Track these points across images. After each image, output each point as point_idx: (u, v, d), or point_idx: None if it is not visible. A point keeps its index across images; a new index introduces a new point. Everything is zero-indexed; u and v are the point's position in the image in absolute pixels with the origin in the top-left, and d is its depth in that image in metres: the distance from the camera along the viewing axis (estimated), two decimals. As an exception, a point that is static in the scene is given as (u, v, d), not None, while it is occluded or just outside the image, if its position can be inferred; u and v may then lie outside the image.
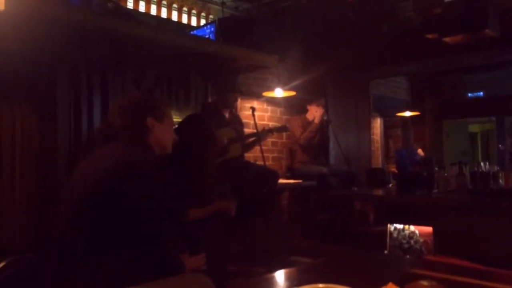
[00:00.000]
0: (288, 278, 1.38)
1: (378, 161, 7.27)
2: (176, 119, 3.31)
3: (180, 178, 2.58)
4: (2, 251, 2.73)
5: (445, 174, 3.07)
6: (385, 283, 0.77)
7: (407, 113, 6.96)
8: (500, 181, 3.00)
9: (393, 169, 5.42)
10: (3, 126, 2.87)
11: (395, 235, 2.98)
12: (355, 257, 1.55)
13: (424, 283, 0.65)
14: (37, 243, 2.64)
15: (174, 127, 1.95)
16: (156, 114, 1.79)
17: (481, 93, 7.95)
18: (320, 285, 0.71)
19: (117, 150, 1.68)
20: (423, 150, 6.60)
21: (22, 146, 2.80)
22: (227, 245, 2.87)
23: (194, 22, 4.14)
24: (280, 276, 1.39)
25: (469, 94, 8.03)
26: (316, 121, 4.88)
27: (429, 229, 2.62)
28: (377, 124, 7.43)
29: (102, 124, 1.86)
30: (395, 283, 0.73)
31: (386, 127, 7.72)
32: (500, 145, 7.37)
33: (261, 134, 4.05)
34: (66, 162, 2.69)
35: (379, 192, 3.88)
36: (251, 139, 4.17)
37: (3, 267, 1.75)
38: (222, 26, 3.47)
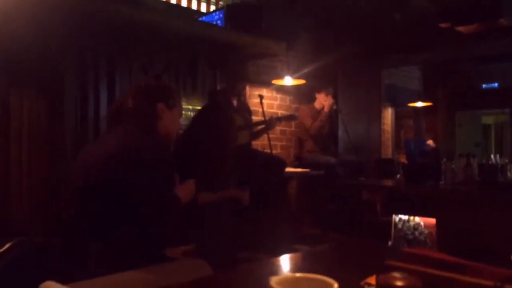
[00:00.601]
0: (281, 264, 1.39)
1: (388, 151, 7.21)
2: (183, 106, 3.32)
3: (195, 163, 2.62)
4: (10, 233, 2.80)
5: (453, 166, 3.03)
6: (372, 274, 0.77)
7: (419, 103, 6.87)
8: (509, 173, 2.96)
9: (403, 159, 5.38)
10: (11, 111, 2.90)
11: (400, 226, 2.97)
12: (354, 246, 1.55)
13: (397, 274, 0.65)
14: (45, 226, 2.68)
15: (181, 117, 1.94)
16: (168, 101, 1.80)
17: (496, 84, 7.79)
18: (297, 274, 0.71)
19: (123, 135, 1.68)
20: (435, 141, 6.53)
21: (30, 131, 2.83)
22: (236, 232, 2.90)
23: (203, 8, 4.11)
24: (284, 260, 1.40)
25: (484, 85, 7.88)
26: (326, 110, 4.84)
27: (433, 220, 2.59)
28: (388, 114, 7.36)
29: (114, 103, 1.86)
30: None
31: (398, 117, 7.64)
32: (514, 137, 7.25)
33: (269, 123, 4.04)
34: (72, 146, 2.72)
35: (387, 182, 3.85)
36: (259, 127, 4.16)
37: (9, 247, 1.79)
38: (231, 12, 3.44)
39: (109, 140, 1.71)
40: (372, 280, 0.82)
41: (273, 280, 0.65)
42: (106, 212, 1.54)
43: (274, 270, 1.23)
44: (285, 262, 1.37)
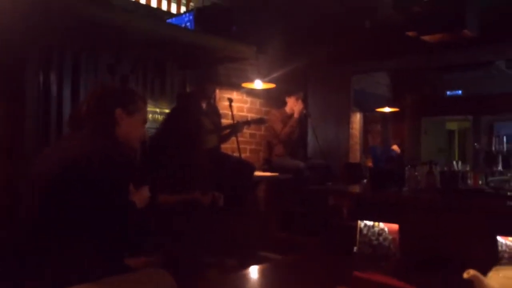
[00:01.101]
0: (259, 275, 1.39)
1: (356, 155, 7.32)
2: (151, 108, 3.27)
3: (163, 166, 2.60)
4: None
5: (416, 173, 3.10)
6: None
7: (387, 109, 7.00)
8: (469, 181, 3.05)
9: (371, 164, 5.47)
10: (-32, 109, 2.79)
11: (365, 231, 3.00)
12: (315, 259, 1.56)
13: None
14: (5, 231, 2.59)
15: (145, 124, 1.88)
16: (127, 107, 1.73)
17: (460, 91, 8.05)
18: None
19: (81, 141, 1.64)
20: (400, 147, 6.68)
21: (-12, 131, 2.73)
22: (203, 236, 2.87)
23: (174, 9, 4.07)
24: (252, 272, 1.40)
25: (448, 92, 8.13)
26: (296, 115, 4.87)
27: (396, 226, 2.64)
28: (357, 119, 7.47)
29: (72, 110, 1.81)
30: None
31: (366, 122, 7.77)
32: (475, 144, 7.49)
33: (236, 126, 4.03)
34: (34, 149, 2.63)
35: (354, 187, 3.90)
36: (227, 131, 4.15)
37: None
38: (201, 15, 3.41)
39: (67, 146, 1.67)
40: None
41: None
42: (64, 219, 1.50)
43: (241, 285, 1.23)
44: (249, 277, 1.36)
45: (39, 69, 2.69)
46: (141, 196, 1.71)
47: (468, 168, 3.25)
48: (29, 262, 1.56)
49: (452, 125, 10.16)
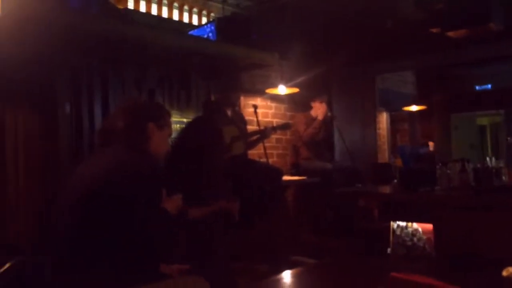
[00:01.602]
0: (293, 279, 1.40)
1: (385, 156, 7.23)
2: (177, 119, 3.33)
3: (183, 177, 2.62)
4: (8, 251, 2.79)
5: (448, 171, 3.04)
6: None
7: (414, 107, 6.90)
8: (503, 177, 2.97)
9: (400, 163, 5.39)
10: (5, 129, 2.91)
11: (398, 232, 2.96)
12: (349, 262, 1.56)
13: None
14: (42, 244, 2.67)
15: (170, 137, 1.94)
16: (158, 121, 1.78)
17: (489, 85, 7.84)
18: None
19: (114, 154, 1.68)
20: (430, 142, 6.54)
21: (25, 149, 2.83)
22: (231, 244, 2.89)
23: (195, 20, 4.14)
24: (286, 277, 1.41)
25: (477, 87, 7.93)
26: (320, 117, 4.86)
27: (430, 226, 2.60)
28: (383, 118, 7.39)
29: (104, 124, 1.86)
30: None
31: (393, 121, 7.67)
32: (508, 138, 7.28)
33: (264, 132, 4.05)
34: (68, 163, 2.71)
35: (383, 188, 3.86)
36: (254, 137, 4.16)
37: (8, 268, 1.79)
38: (222, 25, 3.46)
39: (101, 160, 1.71)
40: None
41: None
42: (99, 232, 1.54)
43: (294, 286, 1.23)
44: (284, 281, 1.37)
45: (70, 87, 2.78)
46: (173, 203, 1.74)
47: (502, 164, 3.17)
48: (67, 277, 1.59)
49: (483, 120, 9.89)
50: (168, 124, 1.85)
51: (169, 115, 1.89)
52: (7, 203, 2.90)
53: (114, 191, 1.54)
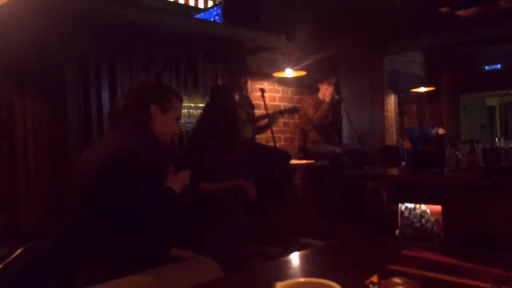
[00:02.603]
0: (302, 260, 1.41)
1: (393, 138, 7.20)
2: (185, 104, 3.33)
3: (204, 153, 2.66)
4: (19, 237, 2.84)
5: (457, 152, 3.02)
6: (376, 273, 0.78)
7: (422, 89, 6.84)
8: (513, 158, 2.96)
9: (409, 145, 5.37)
10: (15, 116, 2.93)
11: (406, 214, 2.97)
12: (358, 242, 1.57)
13: (397, 280, 0.66)
14: (53, 229, 2.72)
15: (178, 121, 1.89)
16: (162, 104, 1.75)
17: (499, 65, 7.74)
18: (301, 279, 0.72)
19: (119, 137, 1.68)
20: (440, 126, 6.50)
21: (34, 135, 2.86)
22: (244, 225, 2.92)
23: (201, 4, 4.10)
24: (295, 258, 1.43)
25: (486, 67, 7.83)
26: (327, 99, 4.84)
27: (439, 208, 2.60)
28: (391, 100, 7.34)
29: (112, 106, 1.85)
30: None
31: (401, 103, 7.62)
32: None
33: (271, 117, 4.05)
34: (77, 147, 2.73)
35: (392, 170, 3.86)
36: (262, 122, 4.17)
37: (21, 252, 1.82)
38: (229, 7, 3.43)
39: (105, 143, 1.72)
40: (376, 278, 0.83)
41: (279, 286, 0.67)
42: (107, 214, 1.55)
43: (282, 272, 1.25)
44: (292, 262, 1.38)
45: (78, 71, 2.78)
46: (179, 180, 1.71)
47: (511, 145, 3.15)
48: (77, 257, 1.61)
49: (493, 101, 9.80)
50: (174, 107, 1.81)
51: (178, 99, 1.86)
52: (17, 190, 2.94)
53: (115, 176, 1.54)
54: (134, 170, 1.54)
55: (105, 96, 2.87)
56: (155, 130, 1.74)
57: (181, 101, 1.89)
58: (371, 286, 0.85)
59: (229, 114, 2.83)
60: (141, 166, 1.56)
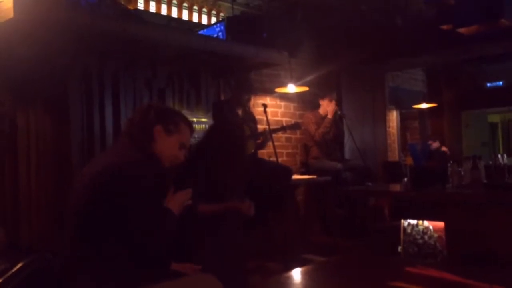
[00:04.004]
0: (304, 276, 1.40)
1: (395, 154, 7.19)
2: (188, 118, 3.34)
3: (202, 175, 2.65)
4: (21, 250, 2.83)
5: (459, 169, 3.02)
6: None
7: (424, 105, 6.85)
8: (516, 174, 2.95)
9: (411, 161, 5.35)
10: (18, 128, 2.95)
11: (409, 230, 2.96)
12: (361, 259, 1.56)
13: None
14: (54, 243, 2.71)
15: (183, 148, 1.81)
16: (167, 125, 1.73)
17: (501, 82, 7.77)
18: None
19: (112, 153, 1.68)
20: (442, 143, 6.47)
21: (37, 148, 2.87)
22: (245, 241, 2.90)
23: (205, 20, 4.15)
24: (296, 274, 1.41)
25: (488, 84, 7.85)
26: (330, 116, 4.85)
27: (442, 224, 2.59)
28: (393, 116, 7.34)
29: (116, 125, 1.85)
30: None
31: (403, 119, 7.62)
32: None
33: (264, 135, 4.05)
34: (79, 163, 2.74)
35: (394, 187, 3.84)
36: (262, 138, 4.17)
37: (22, 266, 1.81)
38: (232, 24, 3.47)
39: (102, 158, 1.72)
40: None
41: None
42: (101, 229, 1.53)
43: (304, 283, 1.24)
44: (294, 278, 1.37)
45: (81, 87, 2.80)
46: (177, 201, 1.68)
47: (513, 162, 3.14)
48: (76, 272, 1.60)
49: (495, 118, 9.81)
50: (180, 132, 1.76)
51: (186, 124, 1.81)
52: (19, 204, 2.94)
53: (104, 190, 1.53)
54: (120, 185, 1.52)
55: (108, 111, 2.89)
56: (156, 151, 1.71)
57: (190, 128, 1.84)
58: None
59: (232, 129, 2.83)
60: (128, 181, 1.53)
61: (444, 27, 3.94)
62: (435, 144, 5.76)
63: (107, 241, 1.53)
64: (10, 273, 1.75)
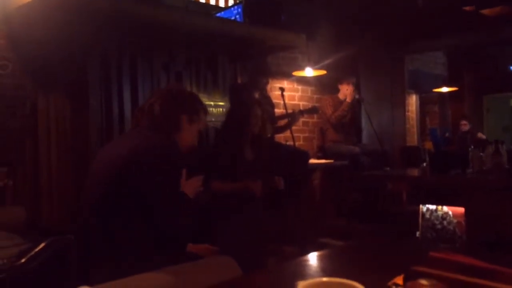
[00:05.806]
0: (320, 260, 1.40)
1: (414, 138, 7.10)
2: (205, 102, 3.34)
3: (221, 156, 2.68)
4: (42, 232, 2.89)
5: (481, 154, 2.96)
6: (399, 274, 0.76)
7: (444, 89, 6.72)
8: (539, 160, 2.88)
9: (429, 146, 5.28)
10: (38, 112, 2.99)
11: (427, 215, 2.92)
12: (380, 243, 1.54)
13: (424, 282, 0.64)
14: (75, 225, 2.75)
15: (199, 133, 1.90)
16: (191, 115, 1.79)
17: (524, 65, 7.57)
18: (324, 279, 0.71)
19: (137, 137, 1.69)
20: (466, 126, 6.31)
21: (57, 131, 2.91)
22: (263, 224, 2.92)
23: (222, 3, 4.11)
24: (313, 258, 1.41)
25: (511, 67, 7.65)
26: (348, 99, 4.79)
27: (462, 210, 2.55)
28: (413, 100, 7.23)
29: (142, 105, 1.86)
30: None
31: (422, 103, 7.50)
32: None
33: (291, 117, 4.03)
34: (98, 146, 2.76)
35: (412, 171, 3.80)
36: (282, 122, 4.15)
37: (43, 247, 1.85)
38: (249, 6, 3.43)
39: (123, 141, 1.73)
40: (399, 280, 0.81)
41: (301, 285, 0.66)
42: (122, 211, 1.56)
43: (302, 271, 1.24)
44: (312, 261, 1.37)
45: (100, 70, 2.81)
46: (191, 185, 1.73)
47: (537, 147, 3.07)
48: (95, 254, 1.64)
49: (517, 102, 9.57)
50: (200, 120, 1.83)
51: (204, 112, 1.87)
52: (39, 186, 2.99)
53: (131, 173, 1.55)
54: (151, 167, 1.55)
55: (126, 95, 2.90)
56: (178, 139, 1.75)
57: (206, 114, 1.91)
58: (394, 287, 0.83)
59: (252, 112, 2.83)
60: (159, 164, 1.57)
61: (467, 8, 3.84)
62: (464, 127, 5.63)
63: (129, 222, 1.56)
64: (33, 252, 1.79)
